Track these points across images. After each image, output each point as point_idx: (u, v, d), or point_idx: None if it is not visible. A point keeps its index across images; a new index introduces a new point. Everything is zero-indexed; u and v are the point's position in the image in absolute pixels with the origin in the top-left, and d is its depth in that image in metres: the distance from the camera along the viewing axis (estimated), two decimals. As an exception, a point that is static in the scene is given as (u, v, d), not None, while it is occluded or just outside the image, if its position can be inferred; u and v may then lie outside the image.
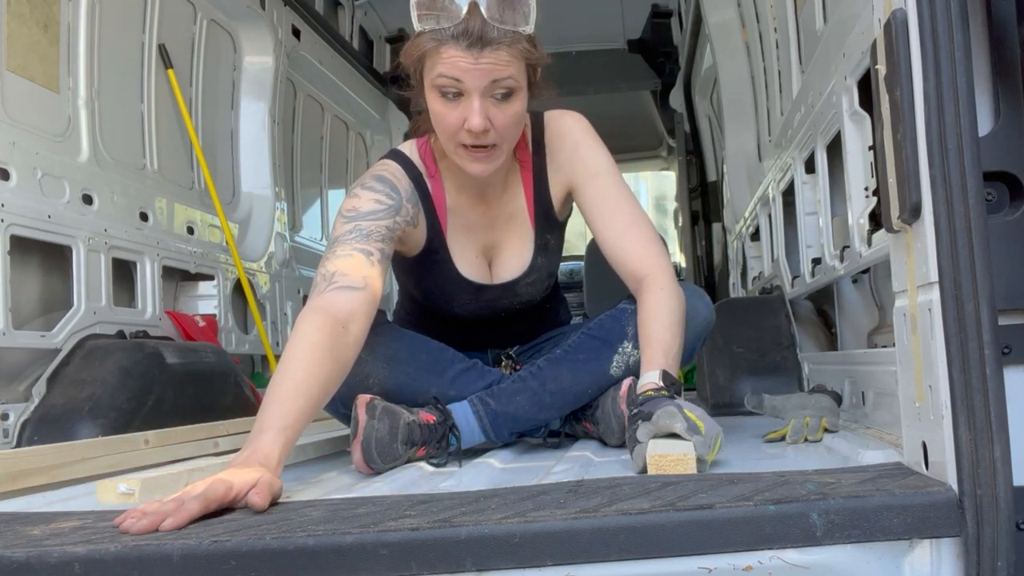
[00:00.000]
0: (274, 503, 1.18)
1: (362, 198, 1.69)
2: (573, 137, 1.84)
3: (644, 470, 1.32)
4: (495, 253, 1.90)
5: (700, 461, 1.32)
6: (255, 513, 1.13)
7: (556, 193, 1.87)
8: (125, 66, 2.87)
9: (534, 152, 1.85)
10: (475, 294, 1.89)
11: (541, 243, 1.90)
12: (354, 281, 1.53)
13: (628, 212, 1.78)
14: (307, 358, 1.37)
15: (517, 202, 1.87)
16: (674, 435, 1.38)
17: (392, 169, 1.78)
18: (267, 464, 1.22)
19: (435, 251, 1.84)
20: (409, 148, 1.85)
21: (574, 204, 1.92)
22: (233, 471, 1.18)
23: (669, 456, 1.29)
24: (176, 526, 1.05)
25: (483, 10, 1.52)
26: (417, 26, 1.57)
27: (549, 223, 1.89)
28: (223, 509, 1.13)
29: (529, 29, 1.58)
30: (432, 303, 1.95)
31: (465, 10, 1.52)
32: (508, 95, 1.59)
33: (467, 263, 1.86)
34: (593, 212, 1.81)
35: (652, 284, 1.70)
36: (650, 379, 1.56)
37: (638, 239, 1.76)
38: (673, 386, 1.54)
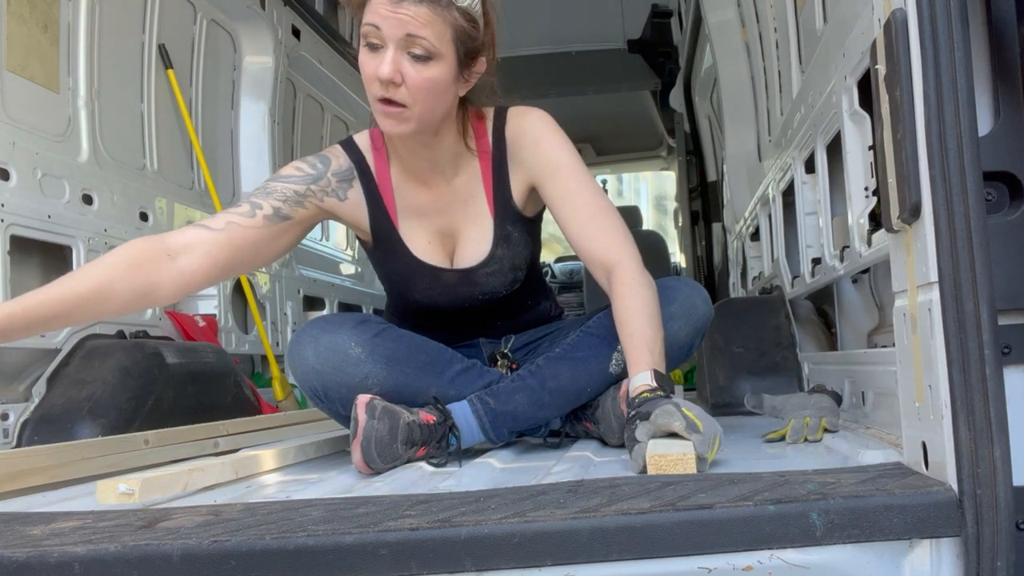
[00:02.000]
0: None
1: (288, 166, 1.81)
2: (534, 133, 1.83)
3: (644, 470, 1.33)
4: (456, 240, 1.89)
5: (700, 460, 1.31)
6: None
7: (517, 188, 1.86)
8: (125, 66, 2.87)
9: (494, 144, 1.85)
10: (432, 278, 1.88)
11: (502, 234, 1.87)
12: (213, 223, 1.62)
13: (591, 202, 1.76)
14: (95, 264, 1.52)
15: (474, 190, 1.86)
16: (673, 434, 1.38)
17: (335, 150, 1.85)
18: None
19: (385, 234, 1.86)
20: (362, 135, 1.88)
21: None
22: None
23: (668, 456, 1.29)
24: None
25: None
26: None
27: (509, 215, 1.87)
28: None
29: (463, 1, 1.60)
30: (396, 290, 1.95)
31: None
32: (424, 58, 1.59)
33: (421, 246, 1.87)
34: (557, 206, 1.79)
35: (622, 274, 1.68)
36: (642, 380, 1.55)
37: (602, 228, 1.74)
38: (667, 384, 1.54)
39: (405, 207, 1.85)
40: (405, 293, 1.93)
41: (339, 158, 1.83)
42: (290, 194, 1.73)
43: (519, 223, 1.89)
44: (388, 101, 1.62)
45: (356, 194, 1.83)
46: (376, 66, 1.59)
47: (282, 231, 1.73)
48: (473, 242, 1.88)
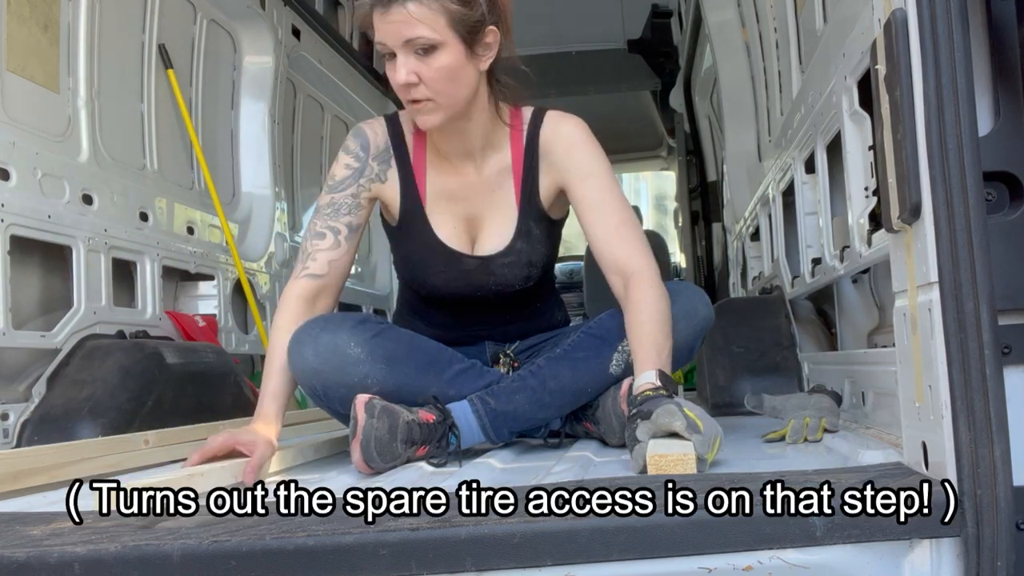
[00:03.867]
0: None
1: (339, 163, 1.90)
2: (570, 139, 1.87)
3: (644, 470, 1.33)
4: (479, 227, 1.92)
5: (700, 460, 1.32)
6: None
7: (545, 188, 1.89)
8: (125, 66, 2.87)
9: (528, 143, 1.88)
10: (449, 261, 1.90)
11: (524, 228, 1.90)
12: (319, 268, 1.83)
13: (618, 212, 1.82)
14: (281, 339, 1.76)
15: (504, 181, 1.89)
16: (674, 434, 1.38)
17: (375, 124, 1.93)
18: (267, 419, 1.69)
19: (413, 212, 1.89)
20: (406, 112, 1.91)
21: (570, 208, 1.94)
22: (241, 431, 1.64)
23: (669, 456, 1.28)
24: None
25: None
26: None
27: (534, 212, 1.90)
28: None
29: None
30: (412, 272, 1.96)
31: None
32: (430, 50, 1.65)
33: (446, 229, 1.90)
34: (583, 210, 1.84)
35: (640, 282, 1.72)
36: (647, 379, 1.56)
37: (627, 238, 1.78)
38: (671, 385, 1.55)
39: (436, 190, 1.90)
40: (420, 275, 1.94)
41: (378, 135, 1.90)
42: (350, 201, 1.87)
43: (542, 221, 1.92)
44: (415, 100, 1.70)
45: (393, 173, 1.90)
46: (393, 75, 1.68)
47: (358, 237, 1.89)
48: (496, 230, 1.91)
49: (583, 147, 1.86)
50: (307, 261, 1.84)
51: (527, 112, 1.91)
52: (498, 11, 1.73)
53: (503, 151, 1.89)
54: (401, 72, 1.66)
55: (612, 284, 1.79)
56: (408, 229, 1.91)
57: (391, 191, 1.90)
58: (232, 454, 1.61)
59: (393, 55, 1.67)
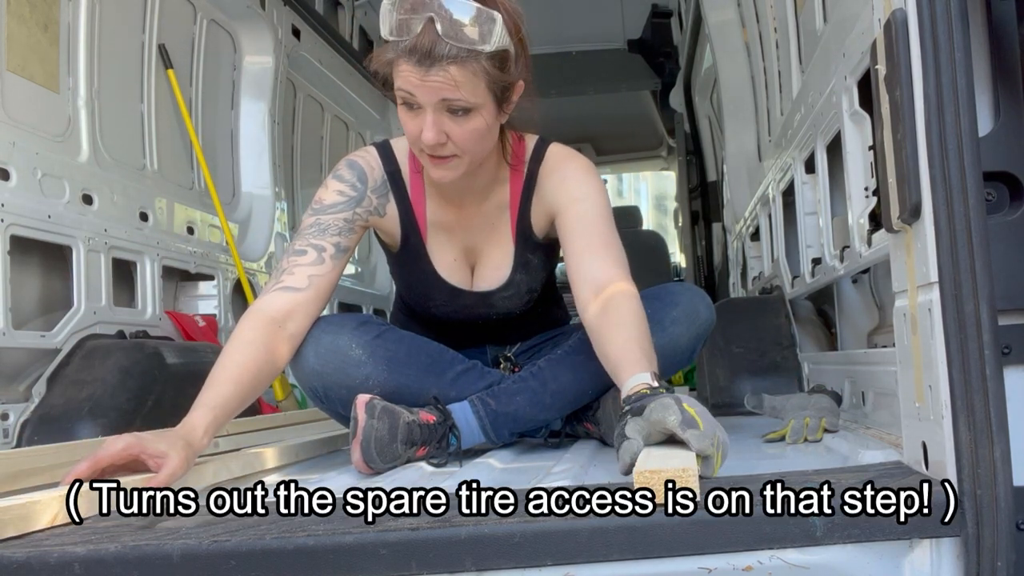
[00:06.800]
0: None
1: (328, 189, 1.78)
2: (565, 172, 1.79)
3: (630, 470, 1.14)
4: (476, 257, 1.89)
5: (706, 464, 1.17)
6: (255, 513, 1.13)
7: (538, 219, 1.84)
8: (125, 66, 2.87)
9: (527, 179, 1.83)
10: (451, 297, 1.88)
11: (521, 261, 1.88)
12: (297, 282, 1.67)
13: (602, 235, 1.69)
14: (239, 351, 1.57)
15: (501, 214, 1.85)
16: (670, 440, 1.23)
17: (369, 158, 1.82)
18: (191, 435, 1.41)
19: (413, 246, 1.85)
20: (400, 142, 1.85)
21: None
22: (152, 437, 1.36)
23: (663, 471, 1.05)
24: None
25: (438, 26, 1.49)
26: (383, 34, 1.56)
27: (528, 244, 1.87)
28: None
29: (489, 47, 1.53)
30: (413, 298, 1.96)
31: (420, 26, 1.49)
32: (465, 112, 1.56)
33: (446, 264, 1.87)
34: (566, 232, 1.73)
35: (617, 290, 1.57)
36: (641, 379, 1.39)
37: (606, 256, 1.65)
38: (668, 389, 1.37)
39: (435, 222, 1.85)
40: (421, 304, 1.94)
41: (374, 169, 1.81)
42: (342, 224, 1.74)
43: (539, 250, 1.89)
44: (440, 157, 1.62)
45: (391, 208, 1.83)
46: (418, 128, 1.58)
47: (345, 260, 1.76)
48: (493, 265, 1.88)
49: (576, 177, 1.77)
50: (282, 275, 1.68)
51: (530, 142, 1.84)
52: (525, 65, 1.65)
53: (503, 186, 1.84)
54: (430, 132, 1.55)
55: (579, 302, 1.62)
56: (408, 260, 1.88)
57: (390, 224, 1.84)
58: (131, 465, 1.35)
59: (417, 106, 1.56)
